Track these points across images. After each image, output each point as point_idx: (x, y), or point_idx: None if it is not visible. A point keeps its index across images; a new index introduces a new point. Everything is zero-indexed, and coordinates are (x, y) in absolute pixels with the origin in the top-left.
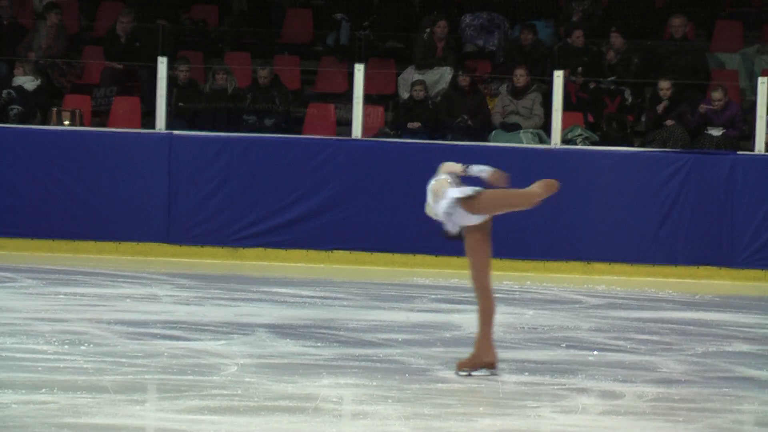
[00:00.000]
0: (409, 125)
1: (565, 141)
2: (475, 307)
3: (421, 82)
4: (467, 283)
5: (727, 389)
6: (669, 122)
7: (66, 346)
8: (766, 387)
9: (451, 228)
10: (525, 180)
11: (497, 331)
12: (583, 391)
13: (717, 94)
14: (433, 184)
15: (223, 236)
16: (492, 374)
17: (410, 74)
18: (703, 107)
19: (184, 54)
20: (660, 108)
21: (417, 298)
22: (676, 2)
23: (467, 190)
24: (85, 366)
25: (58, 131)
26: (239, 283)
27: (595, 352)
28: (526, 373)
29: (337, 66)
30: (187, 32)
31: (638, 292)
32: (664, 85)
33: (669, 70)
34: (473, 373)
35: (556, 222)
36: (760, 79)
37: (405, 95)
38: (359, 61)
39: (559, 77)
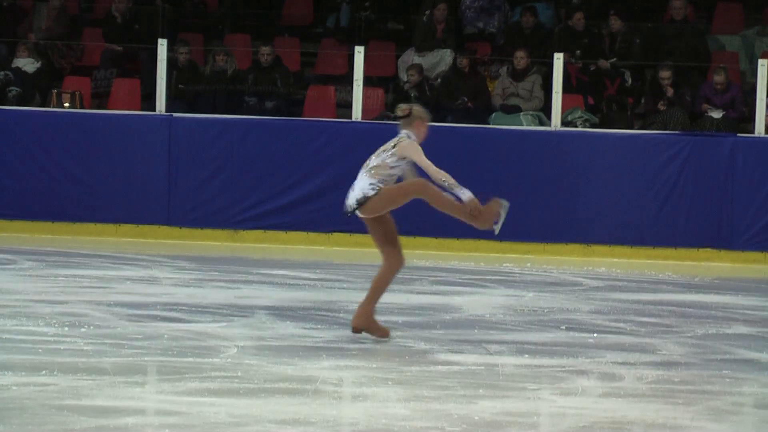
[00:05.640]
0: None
1: (565, 123)
2: (475, 290)
3: (414, 66)
4: (467, 265)
5: (726, 371)
6: (661, 106)
7: (66, 328)
8: (765, 369)
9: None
10: (525, 162)
11: (497, 314)
12: (582, 373)
13: (719, 77)
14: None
15: (223, 218)
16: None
17: (410, 56)
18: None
19: (184, 36)
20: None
21: (417, 280)
22: None
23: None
24: (85, 348)
25: (57, 113)
26: (239, 266)
27: (595, 335)
28: (526, 356)
29: (338, 48)
30: (187, 14)
31: (638, 274)
32: (665, 75)
33: (669, 52)
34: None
35: (555, 204)
36: (761, 62)
37: (405, 77)
38: (359, 44)
39: (559, 59)
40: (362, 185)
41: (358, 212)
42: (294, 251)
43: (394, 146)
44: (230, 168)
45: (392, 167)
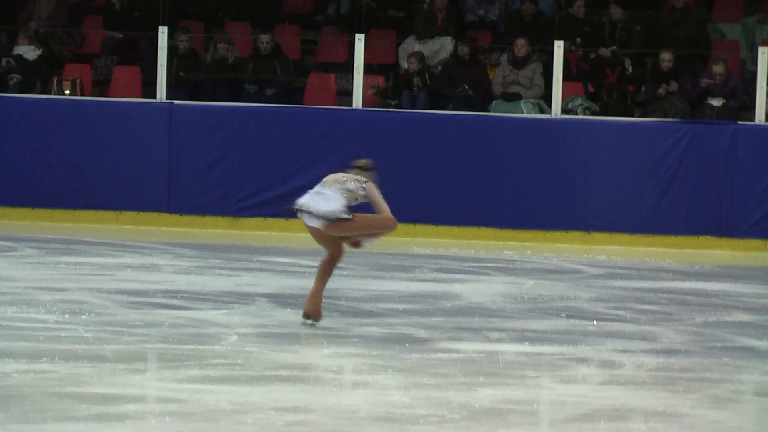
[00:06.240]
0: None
1: (565, 111)
2: (475, 278)
3: (415, 54)
4: (467, 252)
5: (726, 359)
6: (662, 91)
7: (67, 316)
8: (765, 357)
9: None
10: (525, 149)
11: (497, 302)
12: (582, 360)
13: (718, 68)
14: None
15: (223, 206)
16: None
17: (411, 44)
18: (705, 82)
19: (184, 24)
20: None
21: (417, 267)
22: None
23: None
24: (85, 335)
25: (58, 101)
26: (240, 253)
27: (595, 322)
28: (526, 343)
29: (338, 36)
30: (188, 2)
31: (638, 262)
32: (666, 57)
33: (670, 40)
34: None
35: (556, 192)
36: (761, 50)
37: (405, 65)
38: (360, 31)
39: (559, 47)
40: (337, 205)
41: (319, 223)
42: (294, 239)
43: (364, 182)
44: (231, 155)
45: (356, 200)
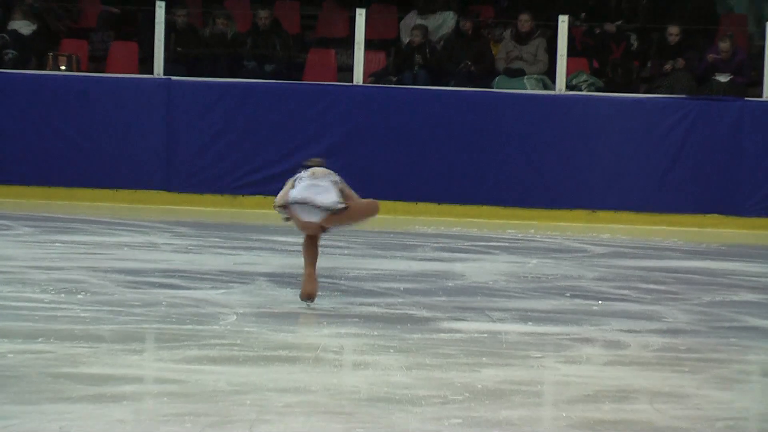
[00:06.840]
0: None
1: (569, 87)
2: (478, 257)
3: (419, 27)
4: (470, 231)
5: (733, 339)
6: (668, 67)
7: (63, 295)
8: None
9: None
10: (529, 126)
11: (500, 281)
12: (587, 341)
13: (725, 45)
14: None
15: (222, 184)
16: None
17: (412, 19)
18: (711, 57)
19: None
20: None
21: (419, 246)
22: None
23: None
24: (82, 315)
25: (54, 76)
26: (239, 232)
27: (600, 302)
28: (530, 323)
29: (338, 11)
30: None
31: (643, 240)
32: (673, 31)
33: (676, 15)
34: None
35: (560, 170)
36: None
37: (407, 40)
38: (360, 6)
39: (564, 22)
40: (335, 196)
41: (319, 216)
42: None
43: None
44: (230, 132)
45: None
